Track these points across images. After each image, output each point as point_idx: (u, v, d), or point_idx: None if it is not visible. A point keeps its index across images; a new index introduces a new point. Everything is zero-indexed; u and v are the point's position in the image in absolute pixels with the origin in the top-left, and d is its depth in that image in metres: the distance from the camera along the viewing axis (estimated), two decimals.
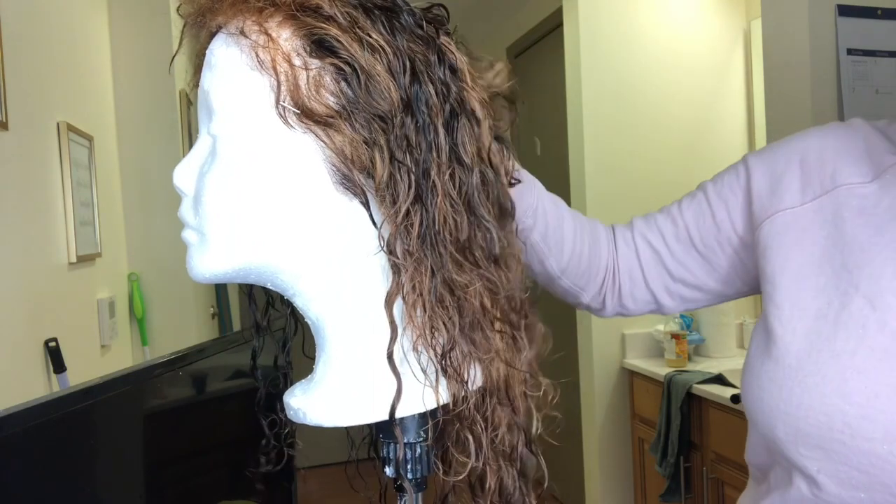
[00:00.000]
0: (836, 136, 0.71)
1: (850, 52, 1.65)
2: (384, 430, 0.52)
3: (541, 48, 3.12)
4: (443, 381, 0.47)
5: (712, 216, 0.77)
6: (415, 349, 0.46)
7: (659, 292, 0.81)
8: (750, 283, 0.77)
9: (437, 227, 0.45)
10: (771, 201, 0.72)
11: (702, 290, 0.80)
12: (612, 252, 0.82)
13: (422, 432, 0.50)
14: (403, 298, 0.45)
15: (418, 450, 0.51)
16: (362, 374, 0.49)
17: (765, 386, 0.65)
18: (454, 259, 0.46)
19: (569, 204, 0.80)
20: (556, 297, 0.83)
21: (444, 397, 0.47)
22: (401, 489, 0.52)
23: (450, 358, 0.46)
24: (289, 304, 0.57)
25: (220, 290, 2.55)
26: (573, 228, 0.78)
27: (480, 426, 0.48)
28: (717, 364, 2.38)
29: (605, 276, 0.82)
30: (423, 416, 0.49)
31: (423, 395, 0.47)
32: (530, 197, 0.71)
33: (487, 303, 0.48)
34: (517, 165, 0.75)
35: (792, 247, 0.68)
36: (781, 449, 0.64)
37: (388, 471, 0.52)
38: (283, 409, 0.58)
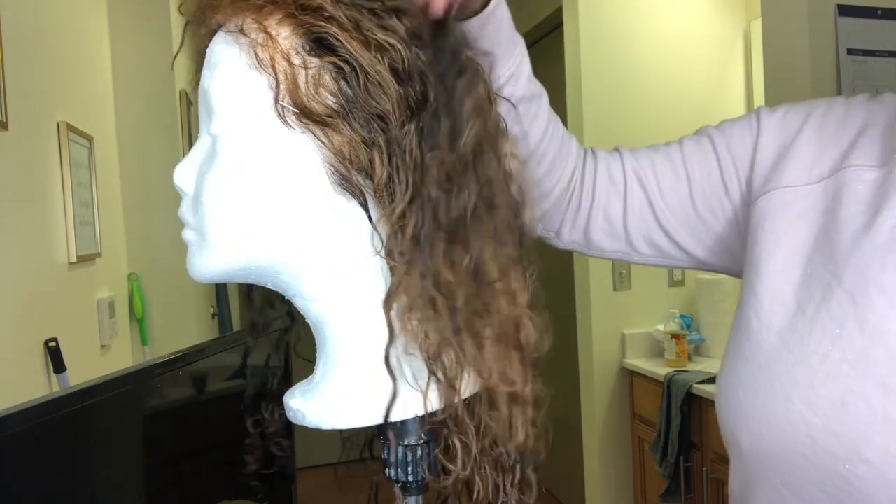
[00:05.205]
0: (862, 109, 0.61)
1: (850, 52, 1.65)
2: (385, 432, 0.52)
3: (541, 48, 3.12)
4: (435, 385, 0.46)
5: (720, 171, 0.66)
6: (406, 352, 0.46)
7: (636, 239, 0.70)
8: (739, 261, 0.67)
9: (431, 229, 0.44)
10: (773, 174, 0.62)
11: (685, 251, 0.70)
12: (579, 175, 0.70)
13: (423, 434, 0.50)
14: (398, 300, 0.45)
15: (419, 452, 0.51)
16: (362, 375, 0.49)
17: (733, 387, 0.60)
18: (447, 262, 0.45)
19: None
20: None
21: (435, 402, 0.47)
22: (402, 490, 0.51)
23: (440, 361, 0.45)
24: (287, 304, 0.57)
25: (220, 290, 2.55)
26: (545, 125, 0.66)
27: (471, 433, 0.48)
28: (717, 364, 2.37)
29: (564, 196, 0.70)
30: (424, 419, 0.49)
31: (417, 398, 0.47)
32: (510, 63, 0.60)
33: (479, 308, 0.47)
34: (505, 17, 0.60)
35: (784, 231, 0.60)
36: (746, 461, 0.59)
37: (389, 472, 0.52)
38: (268, 409, 0.58)
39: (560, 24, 2.74)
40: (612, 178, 0.70)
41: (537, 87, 0.64)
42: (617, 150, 0.72)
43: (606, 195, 0.70)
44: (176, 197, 0.50)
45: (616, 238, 0.71)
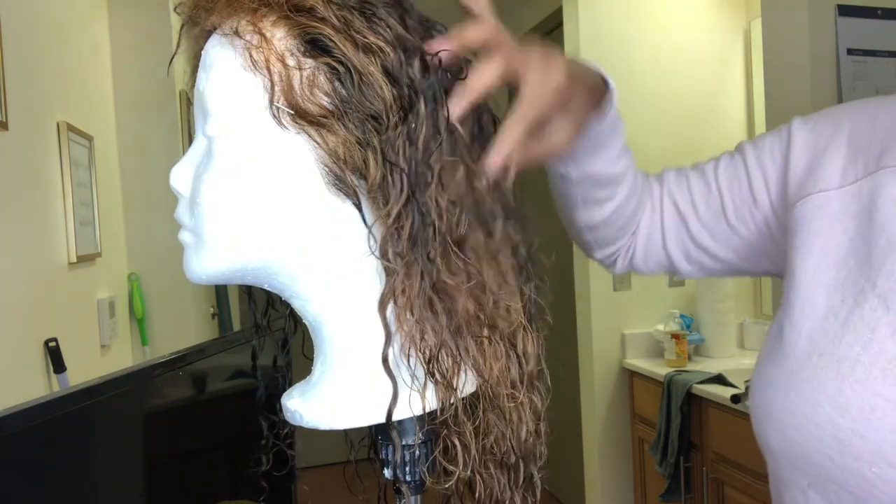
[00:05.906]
0: (893, 108, 0.61)
1: (850, 52, 1.65)
2: (383, 432, 0.52)
3: None
4: (433, 385, 0.46)
5: (749, 184, 0.68)
6: (403, 353, 0.46)
7: (676, 256, 0.74)
8: (779, 264, 0.68)
9: (428, 229, 0.44)
10: (807, 181, 0.63)
11: (723, 262, 0.73)
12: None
13: (420, 435, 0.50)
14: (395, 301, 0.45)
15: (417, 452, 0.51)
16: (359, 376, 0.49)
17: (763, 389, 0.60)
18: (444, 263, 0.45)
19: None
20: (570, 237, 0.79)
21: (433, 402, 0.47)
22: (399, 491, 0.52)
23: (437, 362, 0.45)
24: (288, 305, 0.57)
25: (220, 290, 2.55)
26: (627, 194, 0.72)
27: (469, 433, 0.48)
28: (717, 364, 2.38)
29: (629, 239, 0.77)
30: (423, 419, 0.49)
31: (415, 399, 0.47)
32: (611, 152, 0.67)
33: (477, 308, 0.47)
34: (612, 101, 0.71)
35: (818, 236, 0.60)
36: (776, 462, 0.60)
37: (387, 472, 0.52)
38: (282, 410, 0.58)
39: (560, 24, 2.74)
40: (652, 201, 0.75)
41: (628, 150, 0.72)
42: (662, 173, 0.78)
43: (648, 218, 0.76)
44: (176, 197, 0.50)
45: (657, 259, 0.76)
